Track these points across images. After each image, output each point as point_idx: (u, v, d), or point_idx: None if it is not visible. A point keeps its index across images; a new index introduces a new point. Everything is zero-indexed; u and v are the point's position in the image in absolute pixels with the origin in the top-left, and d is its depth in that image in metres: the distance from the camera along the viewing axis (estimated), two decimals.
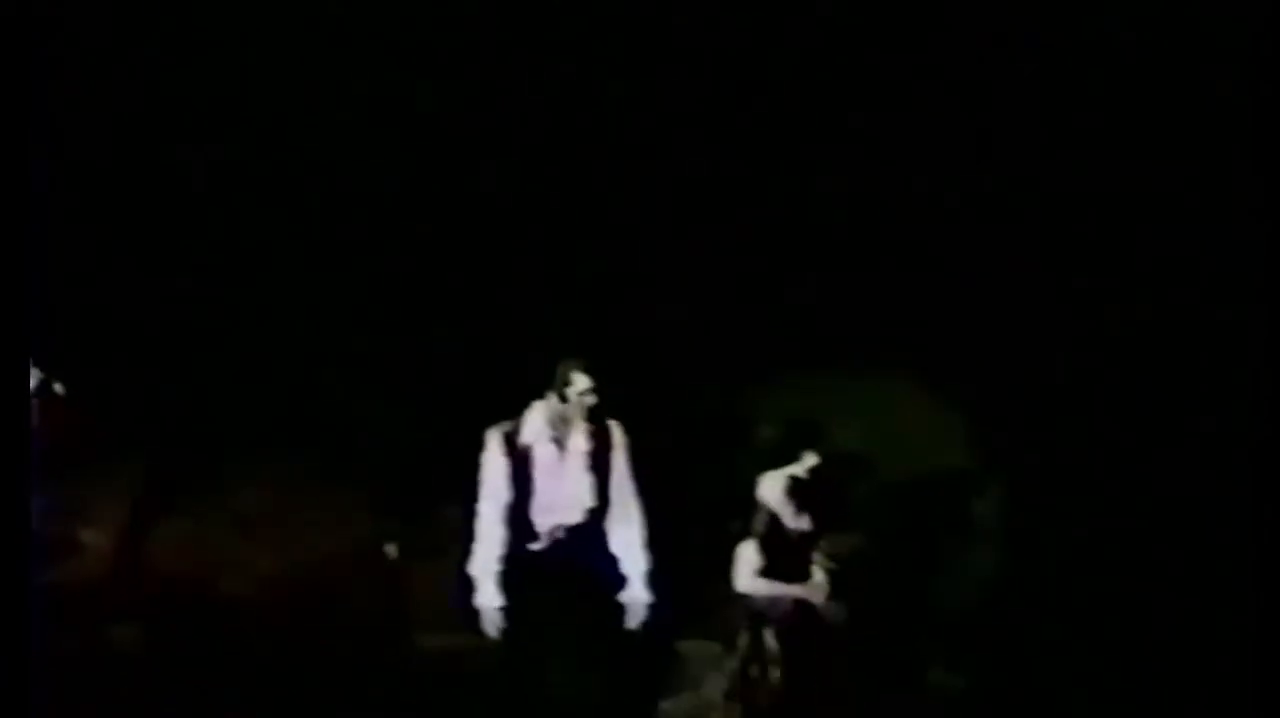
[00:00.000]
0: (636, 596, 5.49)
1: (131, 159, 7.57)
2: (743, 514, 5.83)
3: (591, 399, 5.36)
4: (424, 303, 7.58)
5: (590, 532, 5.51)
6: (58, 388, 6.30)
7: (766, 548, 5.66)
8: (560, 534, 5.48)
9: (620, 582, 5.53)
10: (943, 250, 7.31)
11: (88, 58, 7.39)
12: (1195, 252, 7.19)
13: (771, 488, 5.74)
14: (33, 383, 6.02)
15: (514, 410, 5.58)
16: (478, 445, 5.62)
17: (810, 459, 5.72)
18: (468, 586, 5.50)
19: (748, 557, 5.66)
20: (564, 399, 5.39)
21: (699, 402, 7.10)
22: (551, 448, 5.45)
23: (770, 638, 5.62)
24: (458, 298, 7.59)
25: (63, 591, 6.21)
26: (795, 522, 5.72)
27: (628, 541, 5.50)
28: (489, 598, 5.42)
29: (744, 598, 5.71)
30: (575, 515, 5.48)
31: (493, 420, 5.65)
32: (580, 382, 5.34)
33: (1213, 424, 6.84)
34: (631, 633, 5.52)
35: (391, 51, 7.65)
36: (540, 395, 5.47)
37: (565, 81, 7.65)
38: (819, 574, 5.70)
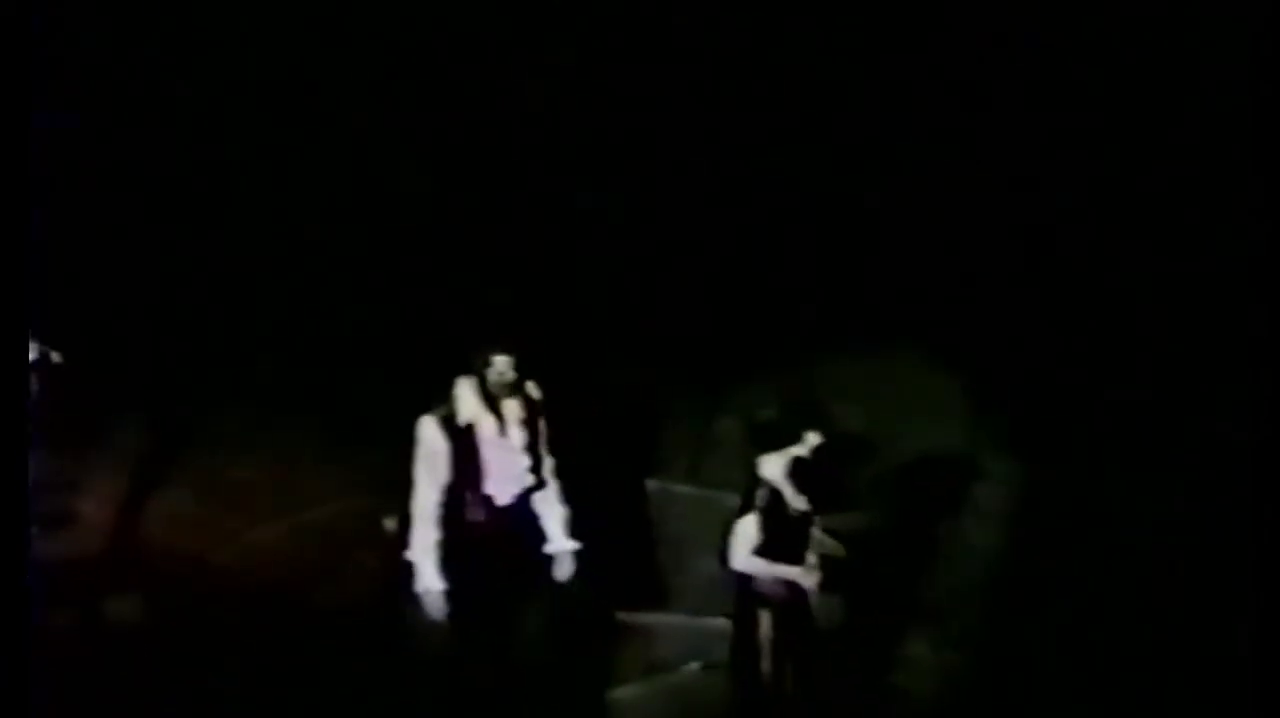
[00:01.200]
0: (561, 545, 5.84)
1: (122, 127, 7.51)
2: (745, 493, 5.79)
3: (512, 376, 5.63)
4: (429, 281, 7.54)
5: (531, 496, 5.83)
6: (55, 358, 6.27)
7: (766, 526, 5.61)
8: (513, 503, 5.72)
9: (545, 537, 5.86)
10: (945, 230, 7.27)
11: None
12: (1198, 228, 7.15)
13: (774, 467, 5.69)
14: (32, 354, 5.99)
15: None
16: None
17: (813, 439, 5.67)
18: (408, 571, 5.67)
19: (746, 533, 5.60)
20: (485, 380, 5.65)
21: (699, 382, 7.10)
22: (493, 421, 5.66)
23: (765, 619, 5.59)
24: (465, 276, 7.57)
25: (59, 561, 6.18)
26: (795, 501, 5.67)
27: (546, 495, 5.83)
28: (431, 582, 5.64)
29: (738, 576, 5.67)
30: (527, 480, 5.76)
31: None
32: (499, 362, 5.61)
33: (1217, 406, 6.83)
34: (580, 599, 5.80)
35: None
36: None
37: (520, 63, 7.61)
38: (813, 558, 5.66)
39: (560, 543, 5.88)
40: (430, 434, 5.64)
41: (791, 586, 5.64)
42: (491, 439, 5.68)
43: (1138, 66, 7.41)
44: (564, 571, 5.86)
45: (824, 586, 5.69)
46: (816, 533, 5.76)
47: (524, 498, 5.81)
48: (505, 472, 5.72)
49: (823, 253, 7.34)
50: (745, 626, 5.63)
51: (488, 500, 5.71)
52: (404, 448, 7.03)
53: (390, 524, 6.85)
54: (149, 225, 7.47)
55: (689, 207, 7.48)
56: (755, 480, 5.67)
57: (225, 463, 7.10)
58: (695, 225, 7.42)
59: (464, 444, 5.64)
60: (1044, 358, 7.10)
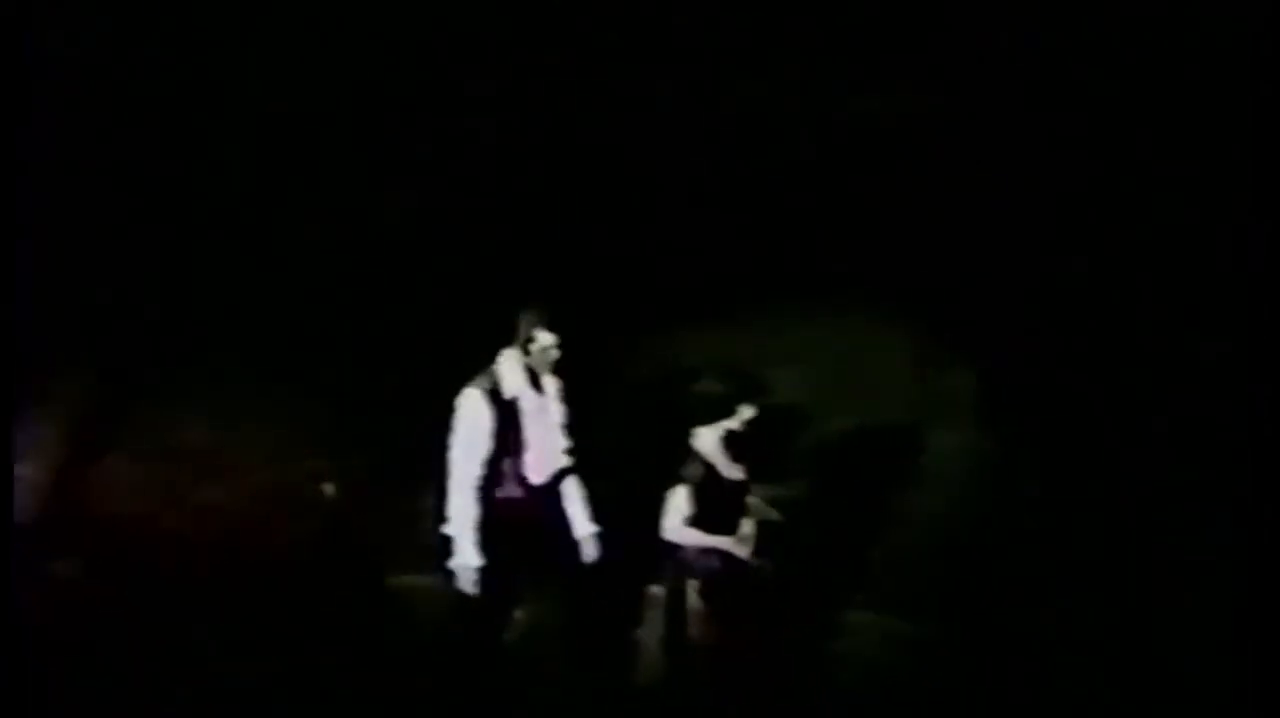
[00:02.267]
0: (585, 529, 5.73)
1: (97, 92, 7.39)
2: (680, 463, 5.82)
3: (556, 354, 5.54)
4: (365, 246, 7.47)
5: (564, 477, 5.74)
6: None
7: (698, 497, 5.64)
8: (549, 482, 5.63)
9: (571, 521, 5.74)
10: (883, 195, 7.20)
11: None
12: (1148, 187, 7.09)
13: (707, 439, 5.71)
14: None
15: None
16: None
17: (747, 411, 5.68)
18: (445, 544, 5.52)
19: (677, 504, 5.64)
20: (528, 353, 5.55)
21: (635, 351, 7.07)
22: (534, 398, 5.58)
23: (692, 591, 5.62)
24: (396, 244, 7.50)
25: (2, 526, 6.17)
26: (729, 472, 5.70)
27: (570, 479, 5.72)
28: (469, 558, 5.47)
29: (670, 547, 5.70)
30: (563, 460, 5.68)
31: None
32: (544, 338, 5.52)
33: (1165, 376, 6.84)
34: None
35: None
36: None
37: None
38: (747, 527, 5.69)
39: (585, 527, 5.76)
40: (474, 406, 5.49)
41: (725, 555, 5.67)
42: (533, 415, 5.57)
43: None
44: (589, 554, 5.75)
45: (759, 554, 5.73)
46: (755, 502, 5.80)
47: (557, 478, 5.71)
48: (544, 449, 5.61)
49: (765, 213, 7.25)
50: (675, 596, 5.67)
51: (524, 479, 5.59)
52: (350, 410, 7.15)
53: (330, 489, 6.91)
54: (93, 181, 7.35)
55: (617, 175, 7.40)
56: (689, 452, 5.71)
57: (169, 427, 7.07)
58: (629, 192, 7.34)
59: (506, 418, 5.51)
60: (986, 323, 7.05)
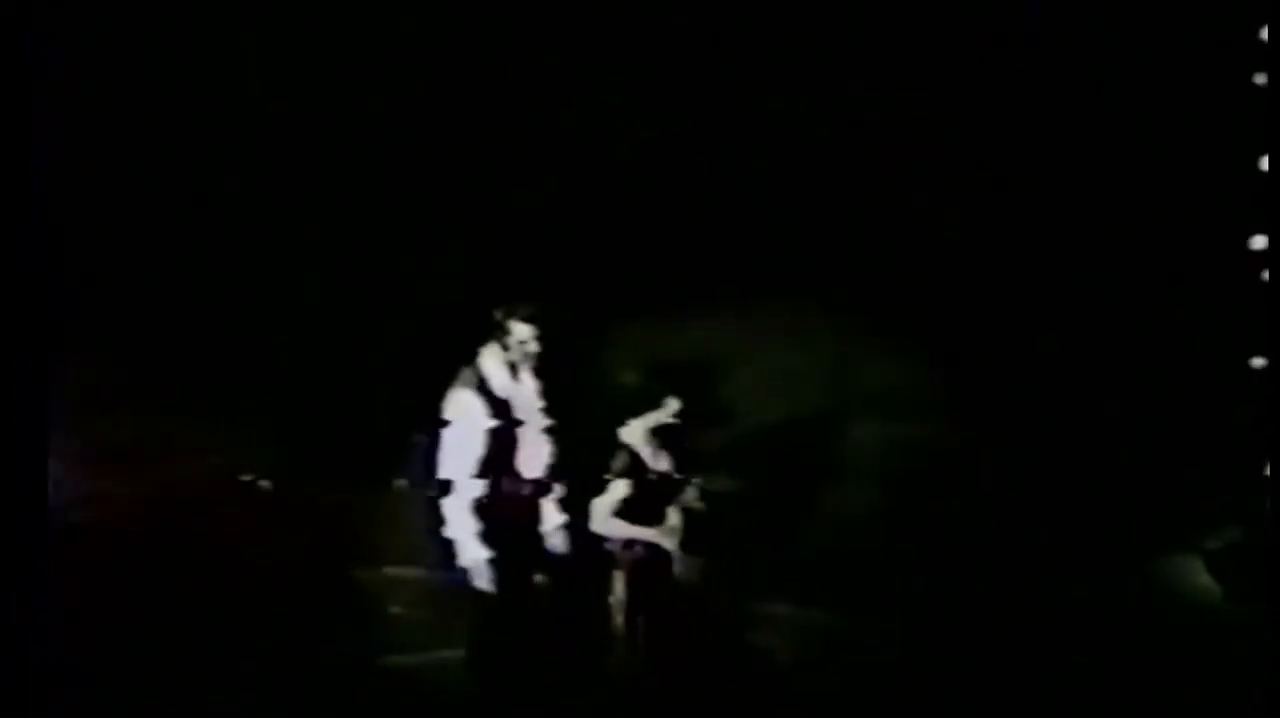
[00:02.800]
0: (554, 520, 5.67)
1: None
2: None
3: (534, 348, 5.52)
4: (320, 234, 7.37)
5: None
6: None
7: (626, 489, 5.67)
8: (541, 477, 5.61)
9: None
10: (811, 191, 7.22)
11: None
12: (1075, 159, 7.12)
13: (634, 432, 5.74)
14: None
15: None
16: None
17: (673, 404, 5.72)
18: (447, 546, 5.50)
19: (605, 497, 5.67)
20: (506, 348, 5.53)
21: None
22: (518, 393, 5.55)
23: (618, 581, 5.66)
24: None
25: None
26: (656, 464, 5.73)
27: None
28: (476, 552, 5.43)
29: (593, 538, 5.72)
30: (549, 455, 5.63)
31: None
32: (521, 331, 5.50)
33: (1094, 364, 6.93)
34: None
35: None
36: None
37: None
38: (674, 518, 5.72)
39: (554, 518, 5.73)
40: (463, 403, 5.49)
41: (650, 547, 5.70)
42: (520, 411, 5.56)
43: None
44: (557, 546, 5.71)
45: (685, 546, 5.76)
46: (686, 494, 5.83)
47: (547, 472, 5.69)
48: (535, 442, 5.60)
49: (691, 213, 7.26)
50: (599, 587, 5.70)
51: (519, 475, 5.57)
52: (279, 403, 7.06)
53: (263, 483, 6.84)
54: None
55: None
56: (617, 445, 5.73)
57: (92, 420, 6.96)
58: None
59: (498, 416, 5.50)
60: (910, 312, 7.08)
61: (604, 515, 5.66)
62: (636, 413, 5.75)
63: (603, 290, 6.89)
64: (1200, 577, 6.42)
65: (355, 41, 7.33)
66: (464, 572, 5.45)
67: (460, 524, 5.44)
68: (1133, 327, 6.94)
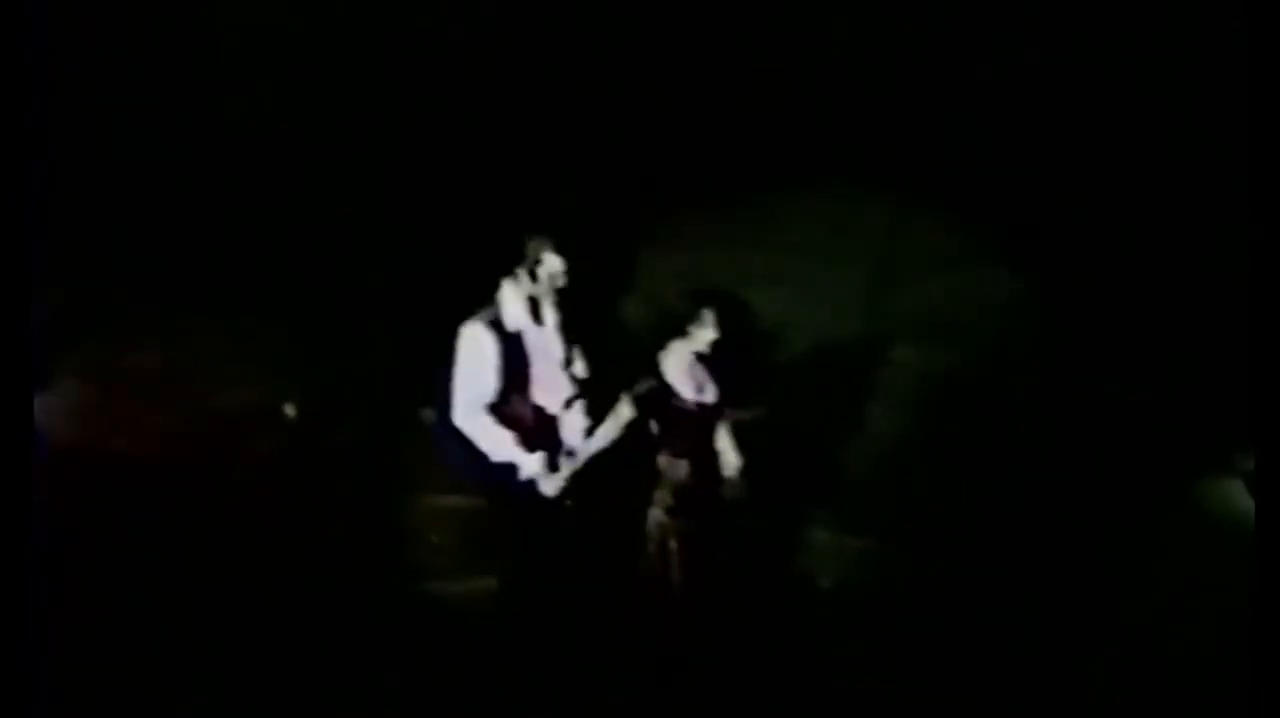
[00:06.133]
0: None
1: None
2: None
3: (563, 281, 5.43)
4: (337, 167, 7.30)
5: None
6: None
7: (642, 414, 5.56)
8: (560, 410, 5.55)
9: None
10: (852, 103, 7.11)
11: None
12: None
13: (669, 362, 5.64)
14: None
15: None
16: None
17: (709, 334, 5.62)
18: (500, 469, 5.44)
19: (619, 418, 5.55)
20: (535, 279, 5.43)
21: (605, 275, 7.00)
22: (537, 329, 5.49)
23: (660, 500, 5.60)
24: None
25: None
26: (697, 395, 5.65)
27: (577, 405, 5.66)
28: (530, 464, 5.41)
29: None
30: (569, 389, 5.58)
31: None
32: (553, 263, 5.40)
33: (1130, 294, 6.86)
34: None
35: None
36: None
37: None
38: (625, 409, 5.54)
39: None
40: (475, 340, 5.39)
41: (697, 466, 5.60)
42: (540, 348, 5.49)
43: None
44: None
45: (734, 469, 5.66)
46: (727, 418, 5.74)
47: (567, 406, 5.64)
48: (551, 379, 5.54)
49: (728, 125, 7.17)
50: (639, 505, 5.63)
51: (538, 409, 5.52)
52: (305, 331, 7.03)
53: (290, 410, 6.81)
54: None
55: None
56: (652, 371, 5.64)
57: (122, 349, 6.92)
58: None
59: (511, 351, 5.41)
60: (956, 238, 7.02)
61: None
62: (678, 335, 5.63)
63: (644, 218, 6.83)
64: (1242, 499, 6.37)
65: None
66: (528, 484, 5.40)
67: (493, 441, 5.38)
68: (1170, 245, 6.86)
